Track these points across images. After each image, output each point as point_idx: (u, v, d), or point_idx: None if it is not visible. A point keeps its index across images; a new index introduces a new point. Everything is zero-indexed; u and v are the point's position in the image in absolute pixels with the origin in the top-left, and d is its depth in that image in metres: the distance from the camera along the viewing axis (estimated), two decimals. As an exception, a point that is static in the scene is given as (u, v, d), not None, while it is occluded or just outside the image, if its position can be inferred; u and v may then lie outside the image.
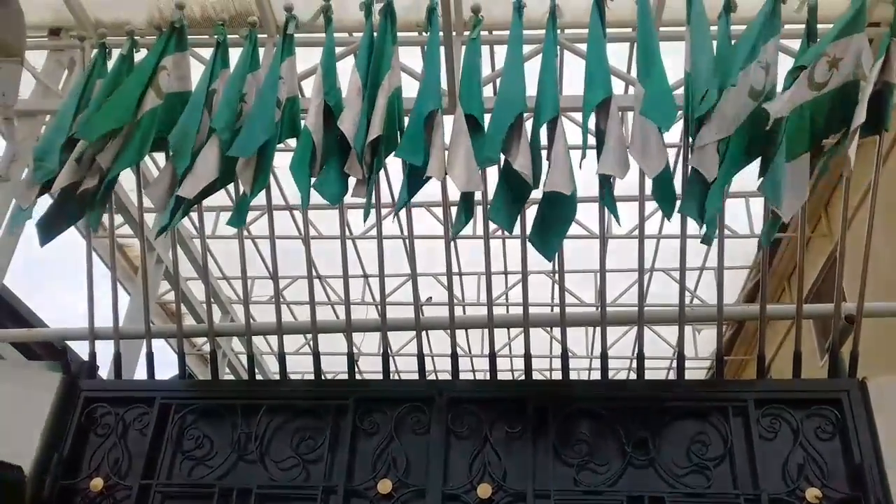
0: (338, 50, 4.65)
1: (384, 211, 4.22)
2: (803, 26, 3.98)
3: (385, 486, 4.04)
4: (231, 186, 4.30)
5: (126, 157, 4.19)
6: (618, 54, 6.26)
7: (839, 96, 3.72)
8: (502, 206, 3.89)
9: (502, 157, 3.85)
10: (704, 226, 3.65)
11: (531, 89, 4.01)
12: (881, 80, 3.68)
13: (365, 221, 4.09)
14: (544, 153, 3.85)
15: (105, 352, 4.84)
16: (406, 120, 4.05)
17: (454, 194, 3.95)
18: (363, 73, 4.11)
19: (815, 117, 3.70)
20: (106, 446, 4.37)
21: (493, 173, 4.09)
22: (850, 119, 3.61)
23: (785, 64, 3.82)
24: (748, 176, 3.95)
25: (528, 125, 3.95)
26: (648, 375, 4.58)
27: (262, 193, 4.24)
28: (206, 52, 4.59)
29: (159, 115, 4.29)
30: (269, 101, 4.10)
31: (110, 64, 4.59)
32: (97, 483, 4.21)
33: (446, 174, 3.76)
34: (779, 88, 3.78)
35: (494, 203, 3.89)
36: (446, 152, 3.85)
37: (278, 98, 4.14)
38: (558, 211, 3.82)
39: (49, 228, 4.28)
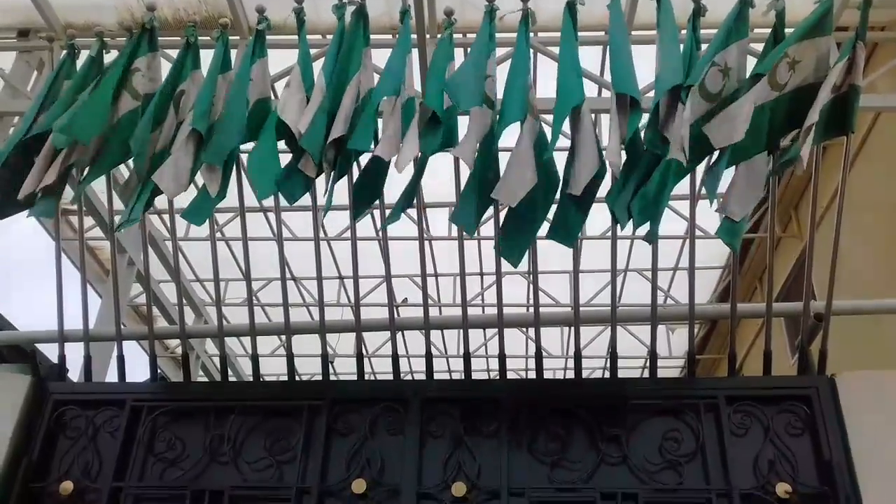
0: (311, 52, 4.63)
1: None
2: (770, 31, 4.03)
3: (359, 485, 4.01)
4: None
5: (108, 161, 4.16)
6: (592, 57, 6.30)
7: (798, 98, 3.76)
8: (466, 209, 3.89)
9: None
10: (648, 224, 3.75)
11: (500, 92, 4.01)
12: (846, 83, 3.75)
13: (324, 216, 4.07)
14: (503, 155, 3.84)
15: (76, 355, 4.79)
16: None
17: (430, 195, 3.95)
18: (328, 73, 4.09)
19: (774, 116, 3.74)
20: (76, 449, 4.32)
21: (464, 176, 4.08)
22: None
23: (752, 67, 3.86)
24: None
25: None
26: (622, 374, 4.60)
27: (235, 194, 4.21)
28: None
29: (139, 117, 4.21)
30: (240, 105, 4.06)
31: (79, 64, 4.54)
32: (67, 486, 4.15)
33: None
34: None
35: (461, 205, 3.89)
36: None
37: (247, 99, 4.10)
38: (528, 215, 3.83)
39: None
